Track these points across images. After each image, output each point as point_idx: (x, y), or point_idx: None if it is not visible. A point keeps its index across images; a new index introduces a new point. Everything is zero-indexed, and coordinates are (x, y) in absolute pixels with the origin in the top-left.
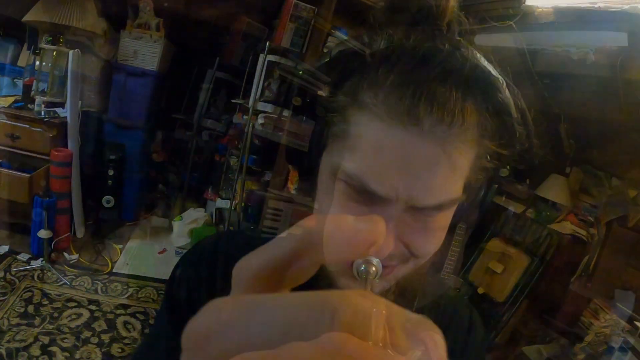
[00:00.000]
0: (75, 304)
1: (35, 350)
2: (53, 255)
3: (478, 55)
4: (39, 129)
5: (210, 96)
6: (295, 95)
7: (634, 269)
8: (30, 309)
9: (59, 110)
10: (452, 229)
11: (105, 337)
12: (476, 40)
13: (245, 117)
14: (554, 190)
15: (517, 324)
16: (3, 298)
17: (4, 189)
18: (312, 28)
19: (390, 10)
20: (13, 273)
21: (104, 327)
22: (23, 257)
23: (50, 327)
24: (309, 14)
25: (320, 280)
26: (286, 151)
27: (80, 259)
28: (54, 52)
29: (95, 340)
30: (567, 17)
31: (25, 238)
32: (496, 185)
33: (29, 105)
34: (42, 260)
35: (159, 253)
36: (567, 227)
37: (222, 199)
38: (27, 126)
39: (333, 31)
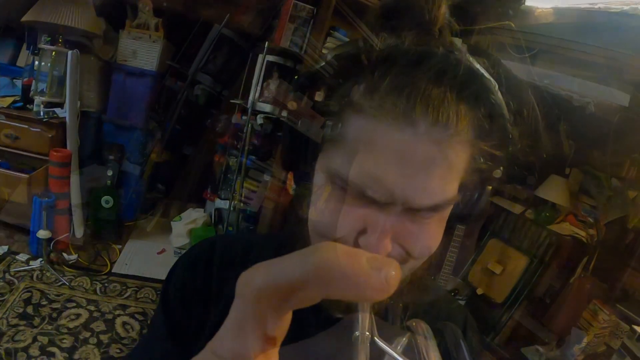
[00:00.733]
0: (74, 304)
1: (35, 351)
2: (52, 255)
3: (471, 58)
4: (38, 129)
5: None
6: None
7: (634, 270)
8: (30, 309)
9: (58, 110)
10: (448, 230)
11: (104, 338)
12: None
13: (244, 117)
14: (554, 191)
15: (516, 325)
16: (2, 298)
17: (3, 189)
18: (311, 28)
19: (383, 17)
20: (12, 273)
21: (103, 327)
22: (22, 257)
23: (49, 327)
24: (309, 14)
25: None
26: (281, 156)
27: (79, 259)
28: (53, 52)
29: (94, 340)
30: (567, 18)
31: (24, 238)
32: (490, 187)
33: (27, 106)
34: (41, 261)
35: (158, 253)
36: (566, 228)
37: (221, 199)
38: (26, 126)
39: (332, 31)
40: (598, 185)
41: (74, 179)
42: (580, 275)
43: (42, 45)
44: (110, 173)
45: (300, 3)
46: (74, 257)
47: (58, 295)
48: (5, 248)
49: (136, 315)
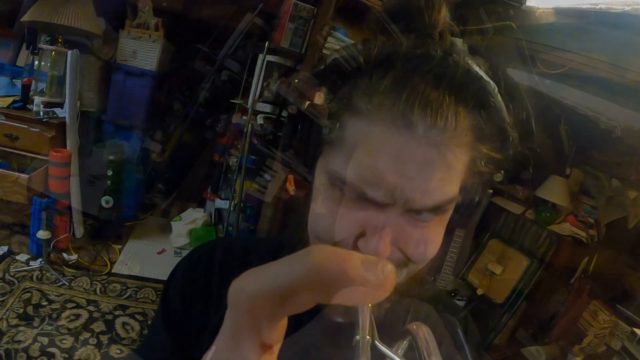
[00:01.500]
0: (74, 304)
1: (34, 351)
2: (52, 255)
3: (470, 60)
4: (38, 130)
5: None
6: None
7: (634, 270)
8: (29, 309)
9: (57, 110)
10: (449, 233)
11: (104, 338)
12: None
13: (244, 117)
14: (554, 191)
15: (516, 325)
16: (2, 299)
17: (3, 189)
18: (311, 28)
19: (384, 21)
20: (12, 274)
21: (103, 328)
22: (22, 257)
23: (49, 328)
24: (309, 14)
25: None
26: (281, 159)
27: (79, 260)
28: (53, 52)
29: (94, 341)
30: (568, 18)
31: (24, 238)
32: (491, 190)
33: (27, 106)
34: (41, 261)
35: (158, 253)
36: (566, 228)
37: (221, 199)
38: (26, 126)
39: (333, 31)
40: (598, 185)
41: (74, 179)
42: (581, 276)
43: (42, 45)
44: (109, 173)
45: (301, 3)
46: (74, 257)
47: (58, 296)
48: (5, 248)
49: (136, 316)
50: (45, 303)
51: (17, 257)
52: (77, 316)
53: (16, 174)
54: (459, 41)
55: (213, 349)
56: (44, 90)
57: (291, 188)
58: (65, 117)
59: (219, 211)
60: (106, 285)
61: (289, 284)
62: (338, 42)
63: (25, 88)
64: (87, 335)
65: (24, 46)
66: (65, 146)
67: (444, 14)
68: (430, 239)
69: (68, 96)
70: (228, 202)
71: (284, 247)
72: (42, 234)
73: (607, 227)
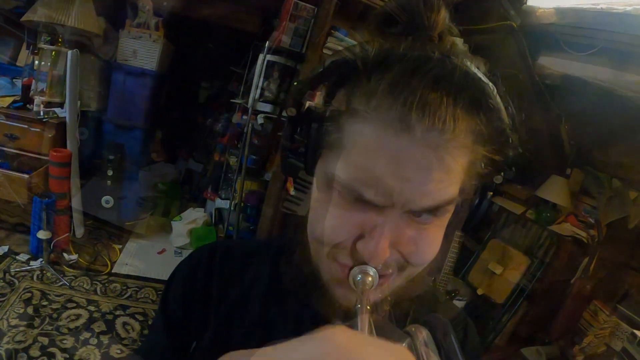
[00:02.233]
0: (74, 304)
1: (35, 352)
2: (52, 255)
3: (468, 62)
4: (38, 129)
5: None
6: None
7: (634, 270)
8: (30, 309)
9: (57, 110)
10: (449, 236)
11: (104, 338)
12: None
13: (244, 117)
14: (555, 191)
15: (516, 325)
16: (3, 299)
17: (3, 189)
18: (312, 28)
19: (383, 23)
20: (12, 273)
21: (103, 328)
22: (22, 257)
23: (50, 328)
24: (309, 14)
25: (316, 290)
26: (281, 161)
27: (80, 260)
28: (53, 52)
29: (94, 341)
30: (568, 18)
31: (24, 238)
32: (491, 193)
33: (27, 106)
34: (41, 261)
35: (158, 253)
36: (567, 228)
37: (222, 198)
38: (26, 126)
39: (333, 31)
40: (599, 185)
41: (74, 179)
42: (581, 276)
43: (42, 45)
44: (110, 173)
45: (301, 3)
46: (74, 257)
47: (58, 296)
48: (5, 248)
49: (136, 316)
50: (45, 303)
51: (17, 257)
52: (78, 316)
53: (16, 173)
54: (459, 41)
55: None
56: (44, 90)
57: (291, 189)
58: (65, 117)
59: (219, 211)
60: (106, 285)
61: None
62: (338, 41)
63: (26, 88)
64: (87, 335)
65: (24, 46)
66: (65, 146)
67: (443, 16)
68: (429, 241)
69: (68, 96)
70: (228, 201)
71: (283, 250)
72: (42, 234)
73: (608, 227)
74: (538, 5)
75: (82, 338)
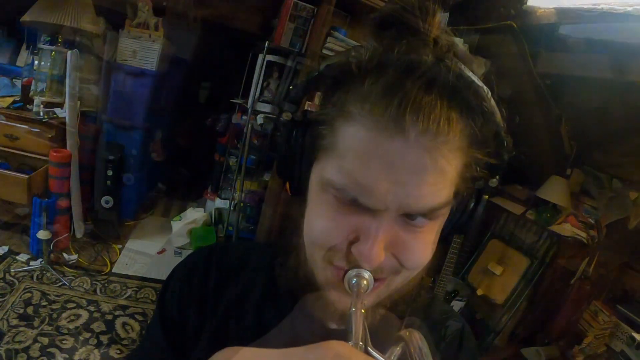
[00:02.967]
0: (74, 304)
1: (35, 352)
2: (52, 255)
3: (462, 65)
4: (38, 130)
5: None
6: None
7: (634, 271)
8: (30, 309)
9: (57, 110)
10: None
11: (104, 338)
12: None
13: (244, 117)
14: (555, 191)
15: (516, 326)
16: (2, 299)
17: (3, 189)
18: (311, 28)
19: (379, 26)
20: (12, 274)
21: (103, 328)
22: (22, 257)
23: (49, 328)
24: (309, 14)
25: (311, 293)
26: (276, 164)
27: (80, 260)
28: (53, 52)
29: (94, 341)
30: (569, 18)
31: (24, 238)
32: (487, 196)
33: (27, 106)
34: (41, 261)
35: (158, 253)
36: (567, 229)
37: (221, 198)
38: (26, 127)
39: (332, 31)
40: (599, 186)
41: (74, 179)
42: (581, 276)
43: (41, 45)
44: (110, 173)
45: (301, 2)
46: (74, 257)
47: (58, 296)
48: (5, 248)
49: (136, 316)
50: (45, 303)
51: (17, 257)
52: (77, 316)
53: (16, 174)
54: (459, 41)
55: None
56: (44, 90)
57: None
58: (65, 117)
59: (219, 211)
60: (106, 285)
61: None
62: (338, 41)
63: (25, 88)
64: (87, 335)
65: (24, 46)
66: (65, 146)
67: (438, 20)
68: (423, 244)
69: (68, 96)
70: (228, 201)
71: (279, 253)
72: (42, 234)
73: (608, 227)
74: (538, 5)
75: (82, 338)
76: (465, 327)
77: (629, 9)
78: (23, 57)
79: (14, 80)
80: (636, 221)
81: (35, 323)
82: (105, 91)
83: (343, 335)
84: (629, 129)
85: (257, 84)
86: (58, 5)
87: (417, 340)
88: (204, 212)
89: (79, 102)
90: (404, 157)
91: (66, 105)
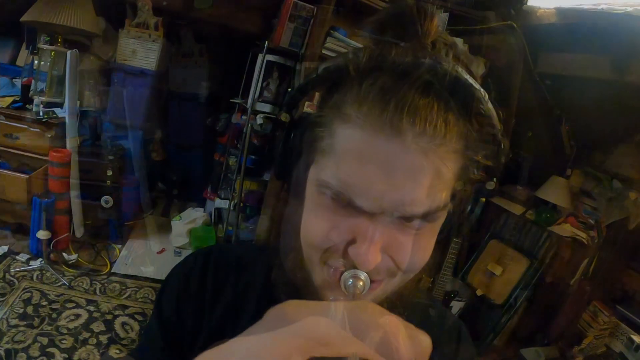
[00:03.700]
0: (73, 304)
1: (34, 352)
2: (52, 255)
3: (459, 68)
4: (38, 129)
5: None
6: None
7: (634, 271)
8: (29, 309)
9: (57, 110)
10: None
11: (104, 338)
12: None
13: (244, 117)
14: (554, 192)
15: (515, 326)
16: (2, 299)
17: (3, 189)
18: (311, 28)
19: (377, 30)
20: (12, 273)
21: (102, 328)
22: (22, 257)
23: (49, 328)
24: (309, 14)
25: (306, 294)
26: (274, 165)
27: (79, 259)
28: (52, 52)
29: (93, 341)
30: (569, 18)
31: (24, 238)
32: (484, 199)
33: (27, 106)
34: (41, 261)
35: (158, 253)
36: (567, 229)
37: (221, 198)
38: (26, 126)
39: (332, 31)
40: (599, 186)
41: (74, 179)
42: (581, 277)
43: (41, 45)
44: (109, 173)
45: (301, 2)
46: (74, 257)
47: (58, 296)
48: (5, 248)
49: (136, 316)
50: (45, 303)
51: (17, 257)
52: (77, 316)
53: (16, 174)
54: (459, 41)
55: None
56: (44, 90)
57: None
58: (65, 117)
59: (218, 211)
60: (106, 285)
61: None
62: (338, 41)
63: (25, 88)
64: (86, 335)
65: (24, 46)
66: (65, 146)
67: (436, 24)
68: (420, 246)
69: (68, 96)
70: (228, 201)
71: (277, 255)
72: (42, 234)
73: (608, 228)
74: (539, 5)
75: (82, 338)
76: (462, 329)
77: (629, 9)
78: (23, 57)
79: (13, 80)
80: (636, 222)
81: (35, 323)
82: (104, 91)
83: None
84: (629, 129)
85: (257, 83)
86: (58, 5)
87: None
88: (204, 212)
89: (78, 102)
90: (401, 159)
91: (66, 105)
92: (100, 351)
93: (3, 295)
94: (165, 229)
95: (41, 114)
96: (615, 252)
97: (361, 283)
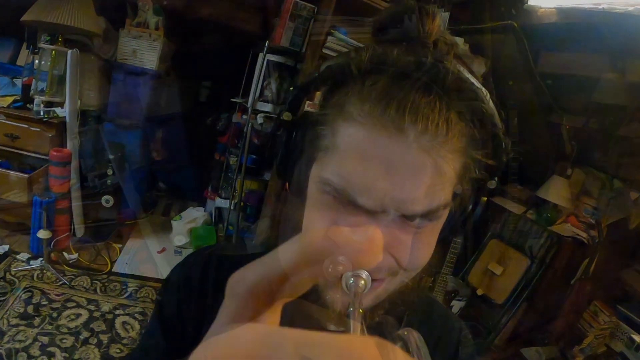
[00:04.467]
0: (74, 304)
1: (35, 351)
2: (52, 255)
3: (461, 67)
4: (38, 129)
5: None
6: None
7: (635, 271)
8: (30, 309)
9: (58, 110)
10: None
11: (104, 338)
12: None
13: (244, 116)
14: (555, 191)
15: (516, 326)
16: (3, 298)
17: (4, 188)
18: (311, 27)
19: (379, 29)
20: (13, 273)
21: (103, 327)
22: (23, 257)
23: (50, 327)
24: (309, 13)
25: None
26: (276, 164)
27: (80, 259)
28: (53, 52)
29: (94, 340)
30: (570, 18)
31: (24, 238)
32: (485, 198)
33: (27, 105)
34: (41, 260)
35: (158, 252)
36: (567, 229)
37: (222, 198)
38: (26, 126)
39: (333, 31)
40: (600, 186)
41: (74, 179)
42: (581, 277)
43: (42, 45)
44: (110, 173)
45: (301, 2)
46: (74, 256)
47: (58, 295)
48: (5, 247)
49: (136, 315)
50: (45, 302)
51: (17, 257)
52: (78, 315)
53: (16, 173)
54: (460, 40)
55: (208, 334)
56: (44, 89)
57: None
58: (65, 117)
59: (219, 210)
60: (106, 284)
61: (285, 266)
62: (338, 41)
63: (26, 87)
64: (87, 334)
65: (24, 45)
66: (65, 145)
67: (438, 24)
68: (422, 245)
69: (68, 95)
70: (228, 201)
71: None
72: (42, 234)
73: (608, 227)
74: (539, 4)
75: (82, 337)
76: (463, 328)
77: (630, 8)
78: (23, 57)
79: (14, 79)
80: (637, 221)
81: (36, 322)
82: (105, 90)
83: None
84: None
85: (257, 83)
86: (58, 4)
87: (416, 339)
88: (204, 211)
89: (79, 102)
90: (403, 158)
91: (66, 104)
92: (101, 350)
93: (4, 294)
94: (165, 228)
95: (42, 113)
96: (615, 251)
97: (362, 282)
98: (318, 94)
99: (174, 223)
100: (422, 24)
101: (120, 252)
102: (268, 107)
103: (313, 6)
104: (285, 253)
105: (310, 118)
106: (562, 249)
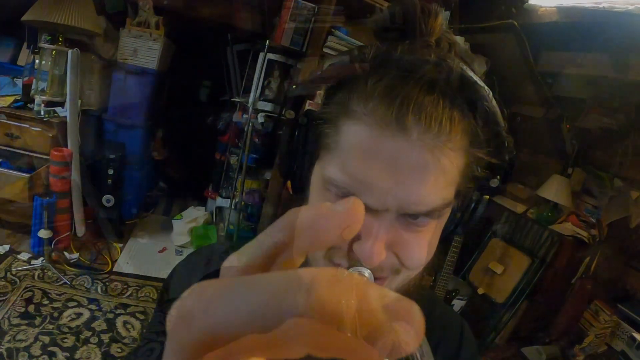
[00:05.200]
0: (75, 303)
1: (36, 350)
2: (53, 254)
3: (464, 66)
4: (39, 129)
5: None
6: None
7: (635, 270)
8: (31, 308)
9: (58, 109)
10: (446, 240)
11: (105, 337)
12: None
13: (245, 115)
14: (556, 191)
15: (517, 325)
16: (4, 298)
17: (4, 188)
18: (312, 26)
19: (382, 28)
20: (14, 272)
21: (104, 326)
22: (24, 256)
23: (51, 327)
24: (310, 13)
25: None
26: (278, 163)
27: (81, 258)
28: (53, 51)
29: (95, 340)
30: (570, 17)
31: (25, 237)
32: (487, 197)
33: (28, 105)
34: (42, 260)
35: (159, 252)
36: (568, 228)
37: (222, 197)
38: (27, 126)
39: (333, 30)
40: (600, 185)
41: (75, 179)
42: (582, 276)
43: (42, 44)
44: (110, 172)
45: (302, 1)
46: (75, 256)
47: (59, 295)
48: (6, 247)
49: (137, 315)
50: (46, 302)
51: (18, 256)
52: (79, 315)
53: (17, 173)
54: (460, 39)
55: None
56: (45, 89)
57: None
58: (66, 116)
59: (220, 209)
60: (107, 284)
61: (271, 245)
62: (339, 40)
63: (26, 87)
64: (88, 334)
65: (25, 45)
66: (66, 145)
67: (440, 22)
68: (424, 243)
69: (69, 95)
70: (229, 200)
71: None
72: (43, 233)
73: (609, 227)
74: (540, 4)
75: (83, 337)
76: (464, 327)
77: (631, 7)
78: (24, 56)
79: (14, 79)
80: (637, 220)
81: (37, 322)
82: (106, 90)
83: None
84: (630, 128)
85: (258, 82)
86: (59, 4)
87: None
88: (205, 210)
89: (79, 101)
90: (406, 156)
91: (67, 104)
92: (102, 350)
93: (5, 294)
94: (166, 227)
95: (42, 113)
96: (616, 250)
97: (365, 280)
98: (319, 93)
99: (175, 222)
100: (424, 23)
101: (121, 251)
102: (269, 107)
103: (314, 5)
104: (274, 227)
105: (313, 116)
106: (563, 248)
